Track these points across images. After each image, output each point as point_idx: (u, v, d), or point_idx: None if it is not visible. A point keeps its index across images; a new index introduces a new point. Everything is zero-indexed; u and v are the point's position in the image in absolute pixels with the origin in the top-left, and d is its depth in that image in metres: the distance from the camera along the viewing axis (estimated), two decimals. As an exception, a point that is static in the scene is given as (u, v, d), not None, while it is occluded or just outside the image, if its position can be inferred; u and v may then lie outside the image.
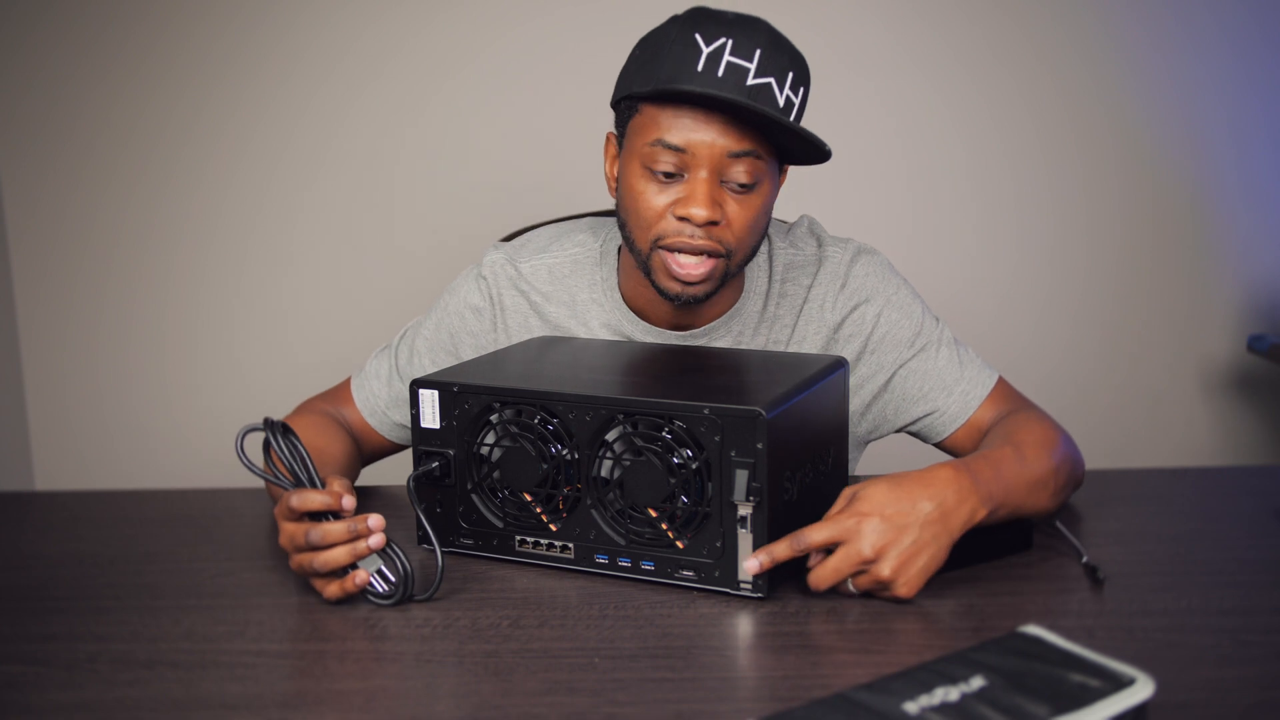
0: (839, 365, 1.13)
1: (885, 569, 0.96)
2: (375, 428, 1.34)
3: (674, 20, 1.17)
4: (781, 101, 1.13)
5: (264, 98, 2.32)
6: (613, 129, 1.25)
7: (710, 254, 1.17)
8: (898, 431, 1.34)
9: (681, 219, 1.15)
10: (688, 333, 1.29)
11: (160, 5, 2.28)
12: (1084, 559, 1.06)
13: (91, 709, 0.84)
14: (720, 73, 1.11)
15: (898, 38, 2.31)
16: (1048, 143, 2.34)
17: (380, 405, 1.34)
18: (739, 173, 1.15)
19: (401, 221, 2.36)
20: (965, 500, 1.01)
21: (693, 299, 1.19)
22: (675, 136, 1.13)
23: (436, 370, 1.34)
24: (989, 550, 1.07)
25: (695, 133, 1.13)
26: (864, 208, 2.31)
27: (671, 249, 1.16)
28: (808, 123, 1.20)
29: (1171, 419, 2.44)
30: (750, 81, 1.11)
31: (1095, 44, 2.32)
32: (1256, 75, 2.34)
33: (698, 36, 1.13)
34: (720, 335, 1.29)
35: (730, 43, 1.12)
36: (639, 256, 1.20)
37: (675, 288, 1.18)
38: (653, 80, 1.14)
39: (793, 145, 1.16)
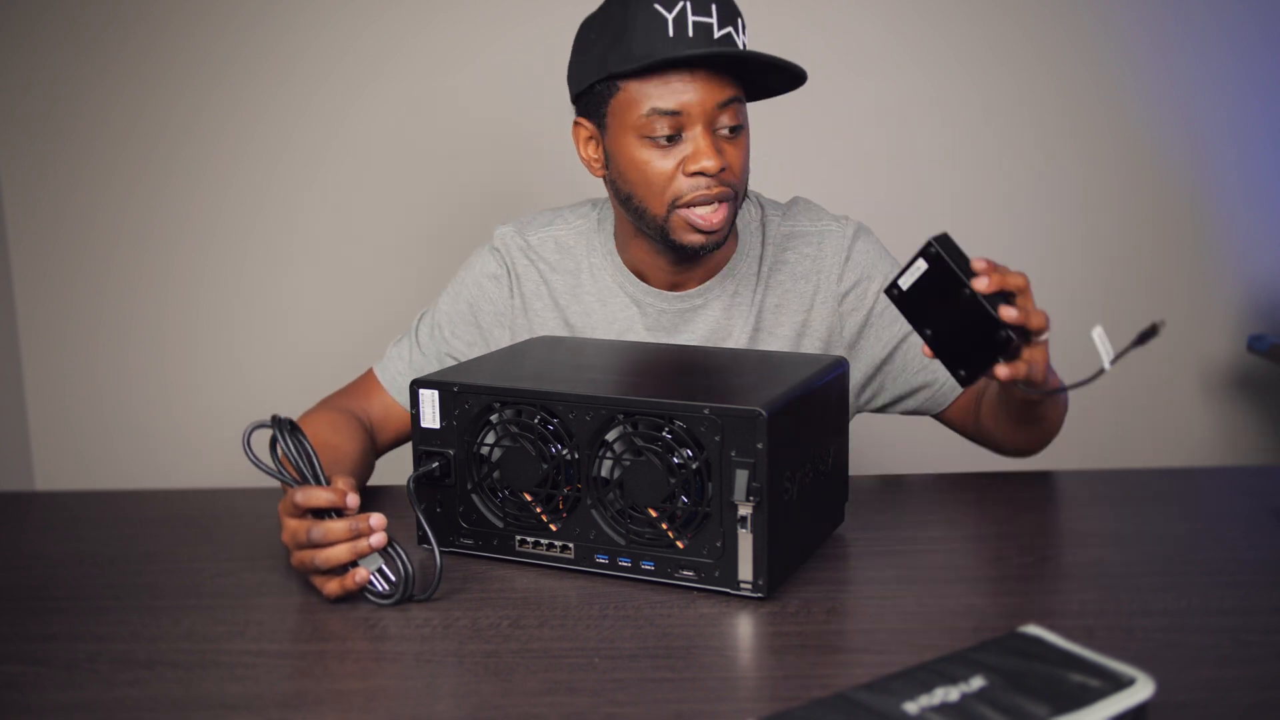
0: (839, 365, 1.13)
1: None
2: (405, 405, 1.38)
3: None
4: (740, 44, 1.22)
5: (264, 98, 2.32)
6: (578, 119, 1.30)
7: (722, 199, 1.23)
8: (894, 401, 1.39)
9: (694, 174, 1.21)
10: (685, 293, 1.34)
11: (160, 5, 2.29)
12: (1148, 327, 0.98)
13: (91, 709, 0.84)
14: (690, 33, 1.19)
15: (898, 38, 2.31)
16: (1047, 143, 2.34)
17: (406, 381, 1.38)
18: (728, 118, 1.22)
19: (401, 221, 2.36)
20: None
21: (715, 246, 1.26)
22: (668, 101, 1.20)
23: (460, 341, 1.38)
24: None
25: (685, 94, 1.20)
26: (863, 207, 2.30)
27: (691, 204, 1.23)
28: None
29: (1171, 419, 2.44)
30: (717, 34, 1.20)
31: (1095, 44, 2.32)
32: (1256, 75, 2.34)
33: (656, 7, 1.19)
34: (715, 294, 1.34)
35: (688, 4, 1.19)
36: (653, 223, 1.25)
37: (698, 239, 1.25)
38: (631, 58, 1.19)
39: (768, 80, 1.25)
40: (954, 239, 1.00)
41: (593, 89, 1.24)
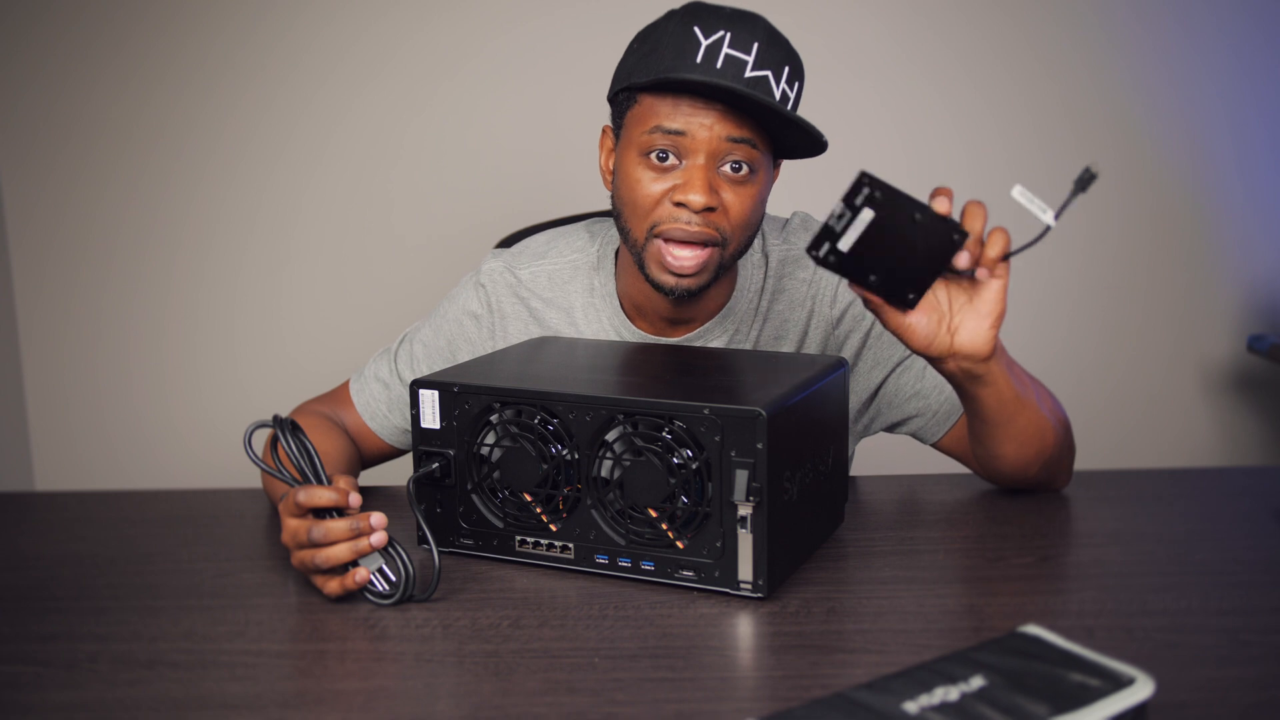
0: (839, 365, 1.13)
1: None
2: (375, 431, 1.34)
3: (671, 15, 1.18)
4: (778, 95, 1.15)
5: (264, 98, 2.32)
6: (609, 123, 1.26)
7: (706, 243, 1.17)
8: (891, 427, 1.35)
9: (679, 205, 1.16)
10: (682, 338, 1.29)
11: (160, 5, 2.29)
12: (1083, 170, 0.99)
13: (91, 709, 0.84)
14: (719, 64, 1.13)
15: (898, 38, 2.31)
16: (1047, 143, 2.35)
17: (381, 409, 1.34)
18: (736, 159, 1.16)
19: (401, 222, 2.36)
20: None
21: (686, 291, 1.19)
22: (674, 122, 1.15)
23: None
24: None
25: (693, 119, 1.14)
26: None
27: (667, 238, 1.17)
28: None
29: (1171, 419, 2.44)
30: (748, 74, 1.13)
31: (1095, 44, 2.32)
32: (1256, 75, 2.34)
33: (696, 29, 1.14)
34: (714, 335, 1.30)
35: (729, 35, 1.13)
36: (634, 247, 1.20)
37: (669, 280, 1.18)
38: (651, 72, 1.15)
39: (789, 136, 1.17)
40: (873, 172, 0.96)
41: (618, 97, 1.21)
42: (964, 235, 1.00)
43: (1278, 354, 2.19)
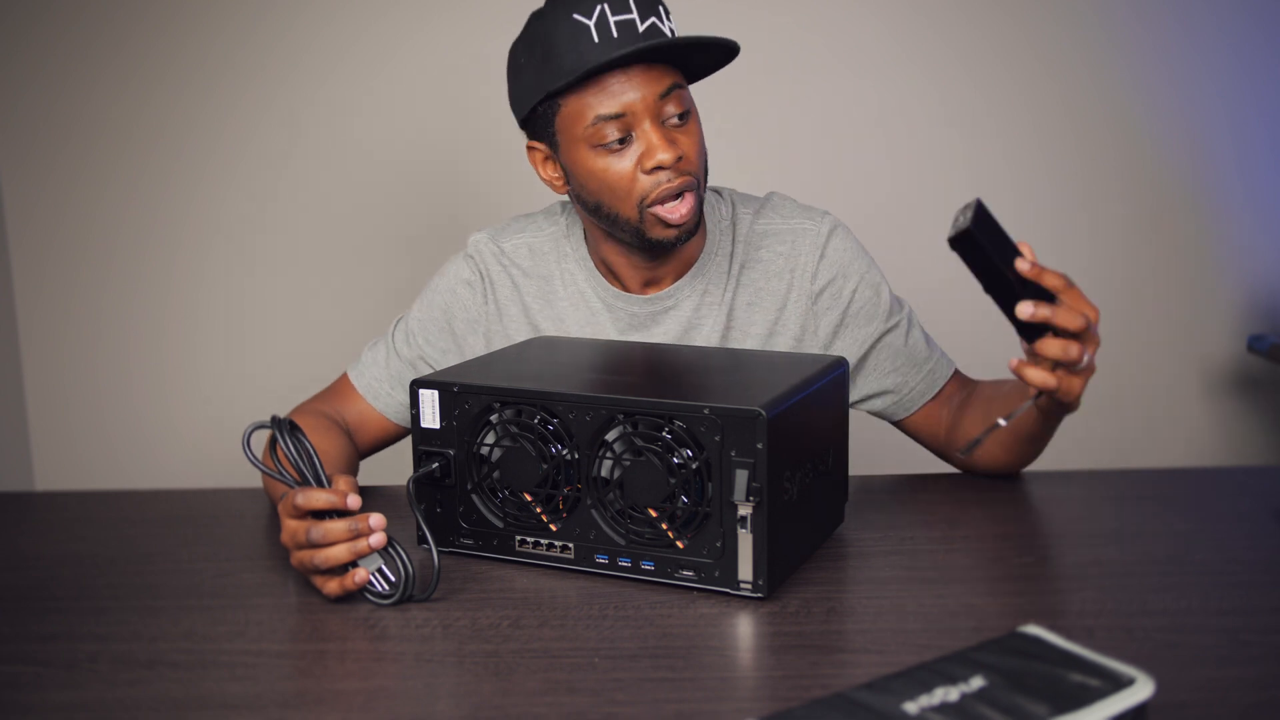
0: (839, 365, 1.13)
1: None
2: (381, 411, 1.37)
3: (540, 15, 1.23)
4: (667, 31, 1.22)
5: (264, 98, 2.32)
6: (530, 142, 1.30)
7: (685, 189, 1.24)
8: (859, 400, 1.37)
9: (654, 169, 1.22)
10: (655, 294, 1.33)
11: (160, 5, 2.29)
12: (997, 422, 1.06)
13: (91, 709, 0.84)
14: (615, 34, 1.19)
15: (898, 37, 2.31)
16: (1048, 143, 2.35)
17: (384, 388, 1.37)
18: (673, 108, 1.22)
19: (400, 222, 2.36)
20: None
21: (687, 236, 1.26)
22: (610, 106, 1.20)
23: (433, 348, 1.37)
24: None
25: (625, 94, 1.20)
26: (862, 207, 2.31)
27: (659, 201, 1.23)
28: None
29: (1171, 419, 2.44)
30: (641, 28, 1.20)
31: (1095, 44, 2.32)
32: (1256, 75, 2.34)
33: (576, 17, 1.19)
34: (686, 294, 1.34)
35: (605, 6, 1.19)
36: (628, 226, 1.25)
37: (672, 233, 1.25)
38: (562, 72, 1.20)
39: (702, 61, 1.25)
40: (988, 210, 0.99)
41: (535, 111, 1.25)
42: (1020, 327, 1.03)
43: (1278, 354, 2.19)
